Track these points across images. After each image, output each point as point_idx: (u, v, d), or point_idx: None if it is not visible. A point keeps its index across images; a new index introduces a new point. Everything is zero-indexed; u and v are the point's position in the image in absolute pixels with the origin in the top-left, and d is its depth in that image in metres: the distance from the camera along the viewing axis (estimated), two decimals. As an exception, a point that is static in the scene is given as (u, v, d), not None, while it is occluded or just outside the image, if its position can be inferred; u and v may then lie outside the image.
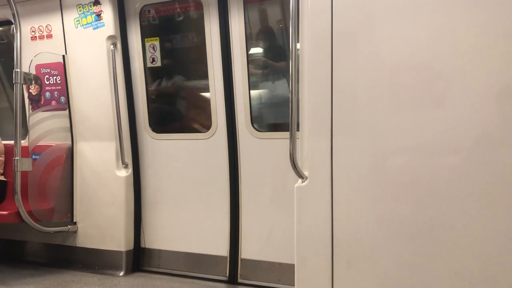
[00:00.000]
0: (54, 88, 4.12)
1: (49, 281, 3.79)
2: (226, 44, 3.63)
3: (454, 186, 2.13)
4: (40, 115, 4.11)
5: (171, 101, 4.21)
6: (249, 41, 3.63)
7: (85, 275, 3.96)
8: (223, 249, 3.76)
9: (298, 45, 2.44)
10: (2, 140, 4.25)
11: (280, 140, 3.45)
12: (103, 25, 3.89)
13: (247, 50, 3.60)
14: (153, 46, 3.98)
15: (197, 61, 3.92)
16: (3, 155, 4.21)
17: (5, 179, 4.16)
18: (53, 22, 4.07)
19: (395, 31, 2.23)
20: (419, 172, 2.20)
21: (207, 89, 3.78)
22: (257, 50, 3.78)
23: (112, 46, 3.89)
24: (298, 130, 2.44)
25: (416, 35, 2.19)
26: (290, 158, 2.38)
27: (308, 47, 2.39)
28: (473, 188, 2.10)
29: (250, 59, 3.63)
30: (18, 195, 3.64)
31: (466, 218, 2.11)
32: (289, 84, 2.44)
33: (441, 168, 2.16)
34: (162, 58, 4.00)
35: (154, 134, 4.03)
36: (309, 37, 2.38)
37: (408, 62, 2.22)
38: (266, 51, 3.79)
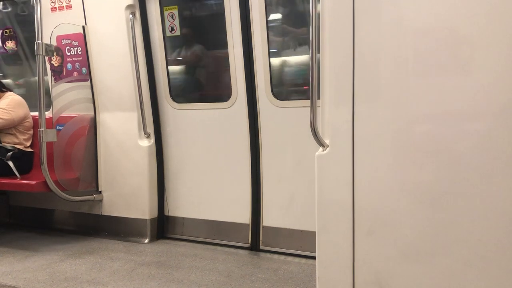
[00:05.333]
0: (75, 59, 4.14)
1: (77, 248, 3.91)
2: (245, 11, 3.57)
3: (479, 153, 2.08)
4: (63, 86, 4.15)
5: (191, 71, 4.19)
6: (269, 7, 3.56)
7: (111, 242, 4.07)
8: (244, 217, 3.81)
9: (319, 7, 2.38)
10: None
11: (300, 108, 3.41)
12: (121, -6, 3.86)
13: (267, 16, 3.53)
14: (172, 15, 3.94)
15: (217, 29, 3.87)
16: (31, 130, 4.31)
17: (32, 150, 4.26)
18: (72, -8, 4.06)
19: (419, -8, 2.14)
20: (443, 139, 2.15)
21: (226, 58, 3.74)
22: (276, 16, 3.70)
23: (131, 15, 3.86)
24: (319, 98, 2.41)
25: (442, -3, 2.11)
26: (311, 126, 2.35)
27: (328, 11, 2.33)
28: (499, 156, 2.05)
29: (269, 26, 3.57)
30: (45, 165, 3.72)
31: (491, 186, 2.07)
32: (309, 51, 2.40)
33: (466, 135, 2.10)
34: (181, 27, 3.96)
35: (175, 103, 4.04)
36: (329, 1, 2.31)
37: (433, 26, 2.13)
38: (285, 17, 3.72)
